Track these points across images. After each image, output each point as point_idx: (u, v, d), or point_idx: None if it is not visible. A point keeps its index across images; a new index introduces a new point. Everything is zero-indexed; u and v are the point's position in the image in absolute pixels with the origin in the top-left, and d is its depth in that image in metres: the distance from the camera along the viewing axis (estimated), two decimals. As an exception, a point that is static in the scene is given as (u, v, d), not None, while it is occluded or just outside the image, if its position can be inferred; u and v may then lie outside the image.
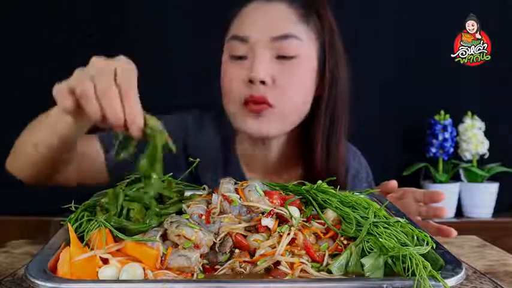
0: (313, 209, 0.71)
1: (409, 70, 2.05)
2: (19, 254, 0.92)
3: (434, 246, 0.62)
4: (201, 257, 0.62)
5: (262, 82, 1.00)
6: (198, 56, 1.70)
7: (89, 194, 0.79)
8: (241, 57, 1.04)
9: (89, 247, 0.63)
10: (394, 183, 1.01)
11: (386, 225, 0.64)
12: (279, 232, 0.65)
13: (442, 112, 2.05)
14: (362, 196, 0.74)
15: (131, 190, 0.72)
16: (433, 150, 2.05)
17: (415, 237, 0.63)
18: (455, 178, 2.10)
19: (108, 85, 0.67)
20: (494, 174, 2.04)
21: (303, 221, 0.68)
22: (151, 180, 0.71)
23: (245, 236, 0.65)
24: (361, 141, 1.28)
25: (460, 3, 1.83)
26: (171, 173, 0.79)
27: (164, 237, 0.65)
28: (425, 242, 0.62)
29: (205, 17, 1.86)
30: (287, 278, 0.59)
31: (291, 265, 0.61)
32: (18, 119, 0.97)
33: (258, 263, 0.61)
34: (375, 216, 0.66)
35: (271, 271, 0.61)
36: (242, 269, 0.61)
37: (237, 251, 0.64)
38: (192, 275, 0.60)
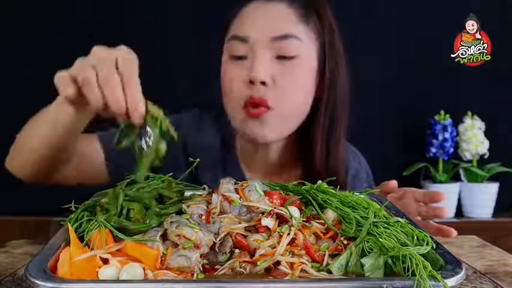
0: (313, 209, 0.71)
1: (409, 70, 2.05)
2: (19, 254, 0.92)
3: (434, 246, 0.62)
4: (201, 257, 0.62)
5: (263, 83, 1.00)
6: (198, 56, 1.70)
7: (89, 194, 0.79)
8: (241, 57, 1.03)
9: (89, 247, 0.63)
10: (394, 183, 1.01)
11: (386, 225, 0.64)
12: (279, 232, 0.65)
13: (442, 112, 2.05)
14: (362, 196, 0.74)
15: (131, 190, 0.72)
16: (433, 150, 2.05)
17: (415, 237, 0.63)
18: (455, 178, 2.10)
19: (110, 73, 0.67)
20: (494, 174, 2.04)
21: (303, 221, 0.68)
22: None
23: (245, 236, 0.65)
24: (361, 141, 1.28)
25: (460, 3, 1.83)
26: (171, 173, 0.79)
27: (164, 237, 0.65)
28: (425, 242, 0.62)
29: (205, 17, 1.86)
30: (287, 278, 0.59)
31: (291, 265, 0.61)
32: (18, 119, 0.97)
33: (258, 263, 0.61)
34: (375, 216, 0.66)
35: (271, 271, 0.61)
36: (242, 269, 0.61)
37: (237, 251, 0.64)
38: (192, 275, 0.60)
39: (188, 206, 0.70)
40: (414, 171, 2.05)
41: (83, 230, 0.66)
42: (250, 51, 1.02)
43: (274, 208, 0.68)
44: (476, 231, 1.15)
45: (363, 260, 0.60)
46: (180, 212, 0.70)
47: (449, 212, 2.02)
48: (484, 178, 2.05)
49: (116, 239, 0.64)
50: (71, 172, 1.03)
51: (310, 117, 1.09)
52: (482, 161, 2.06)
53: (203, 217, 0.67)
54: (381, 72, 1.99)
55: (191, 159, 0.81)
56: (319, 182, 0.76)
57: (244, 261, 0.62)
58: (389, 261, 0.60)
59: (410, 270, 0.56)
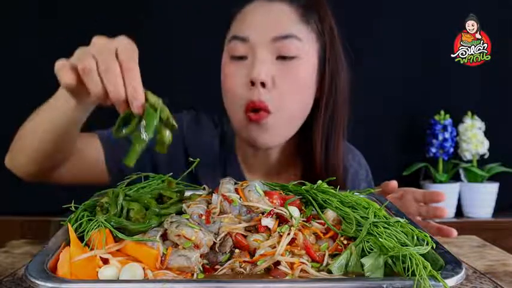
0: (313, 209, 0.71)
1: (409, 70, 2.05)
2: (19, 254, 0.92)
3: (434, 246, 0.62)
4: (201, 257, 0.62)
5: (263, 84, 1.00)
6: (198, 56, 1.70)
7: (89, 194, 0.79)
8: (241, 58, 1.03)
9: (89, 247, 0.63)
10: (394, 183, 1.01)
11: (386, 225, 0.64)
12: (279, 232, 0.65)
13: (442, 112, 2.05)
14: (362, 196, 0.74)
15: (131, 190, 0.72)
16: (433, 150, 2.05)
17: (415, 237, 0.63)
18: (455, 178, 2.11)
19: (110, 62, 0.67)
20: (494, 174, 2.04)
21: (303, 221, 0.68)
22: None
23: (245, 236, 0.65)
24: (361, 141, 1.28)
25: (460, 3, 1.84)
26: (171, 173, 0.79)
27: (164, 237, 0.65)
28: (425, 242, 0.62)
29: (205, 17, 1.86)
30: (287, 278, 0.59)
31: (291, 265, 0.61)
32: (18, 119, 0.97)
33: (258, 263, 0.61)
34: (374, 216, 0.66)
35: (271, 271, 0.61)
36: (242, 269, 0.61)
37: (237, 251, 0.64)
38: (192, 275, 0.60)
39: (188, 206, 0.70)
40: (414, 171, 2.06)
41: (83, 230, 0.66)
42: (250, 51, 1.02)
43: (274, 208, 0.68)
44: (476, 231, 1.15)
45: (363, 260, 0.60)
46: (180, 212, 0.70)
47: (449, 212, 2.02)
48: (484, 178, 2.05)
49: (116, 239, 0.64)
50: (71, 171, 1.03)
51: (310, 117, 1.09)
52: (482, 161, 2.06)
53: (203, 217, 0.67)
54: (380, 72, 1.99)
55: (191, 159, 0.81)
56: (319, 182, 0.76)
57: (244, 261, 0.62)
58: (389, 261, 0.60)
59: (410, 270, 0.56)
